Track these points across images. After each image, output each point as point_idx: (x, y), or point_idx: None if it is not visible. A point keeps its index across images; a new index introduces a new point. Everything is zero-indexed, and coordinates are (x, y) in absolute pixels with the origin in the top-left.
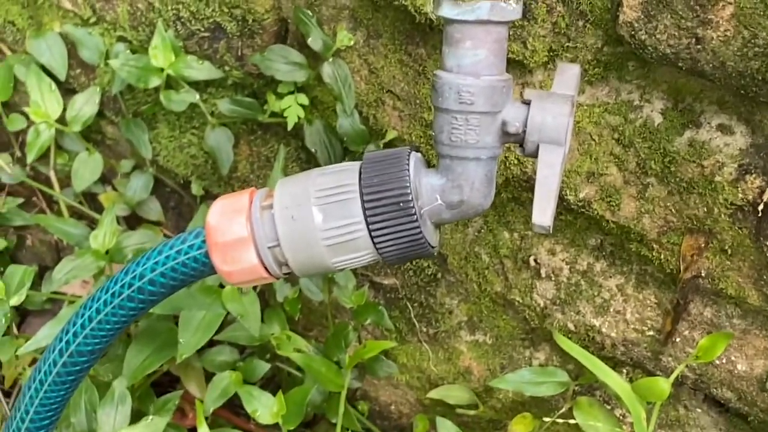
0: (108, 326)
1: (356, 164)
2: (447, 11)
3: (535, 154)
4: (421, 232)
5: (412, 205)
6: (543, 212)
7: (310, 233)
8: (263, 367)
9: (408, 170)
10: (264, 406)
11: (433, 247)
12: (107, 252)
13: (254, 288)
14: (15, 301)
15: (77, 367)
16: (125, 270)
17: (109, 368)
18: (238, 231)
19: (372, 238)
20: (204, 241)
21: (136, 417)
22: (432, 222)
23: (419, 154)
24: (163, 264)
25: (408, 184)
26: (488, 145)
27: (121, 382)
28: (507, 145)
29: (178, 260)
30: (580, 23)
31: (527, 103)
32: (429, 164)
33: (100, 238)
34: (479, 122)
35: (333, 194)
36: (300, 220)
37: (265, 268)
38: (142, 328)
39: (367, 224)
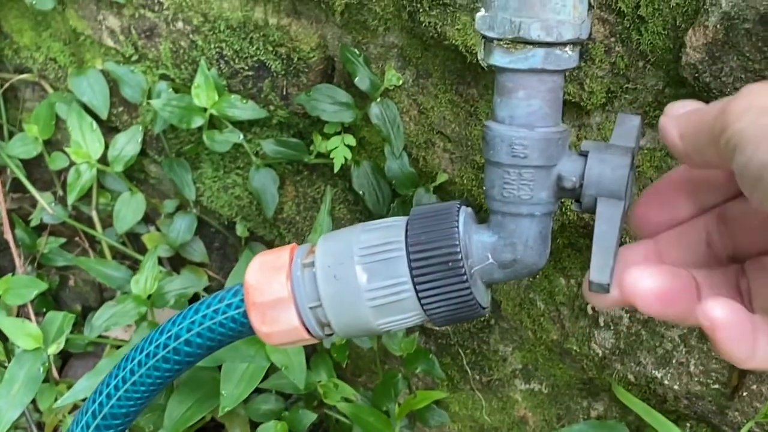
0: (143, 388)
1: (403, 220)
2: (498, 59)
3: (592, 210)
4: (471, 293)
5: (461, 264)
6: (601, 270)
7: (354, 294)
8: (310, 416)
9: (457, 227)
10: None
11: (483, 308)
12: (149, 297)
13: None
14: (53, 349)
15: (111, 430)
16: (160, 329)
17: (150, 419)
18: (277, 290)
19: (419, 299)
20: (242, 300)
21: None
22: (483, 282)
23: (469, 209)
24: (200, 324)
25: (457, 242)
26: (543, 200)
27: None
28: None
29: (215, 320)
30: (640, 64)
31: (584, 155)
32: (480, 217)
33: (141, 283)
34: (533, 177)
35: (378, 252)
36: (343, 280)
37: (307, 330)
38: (185, 377)
39: (414, 284)
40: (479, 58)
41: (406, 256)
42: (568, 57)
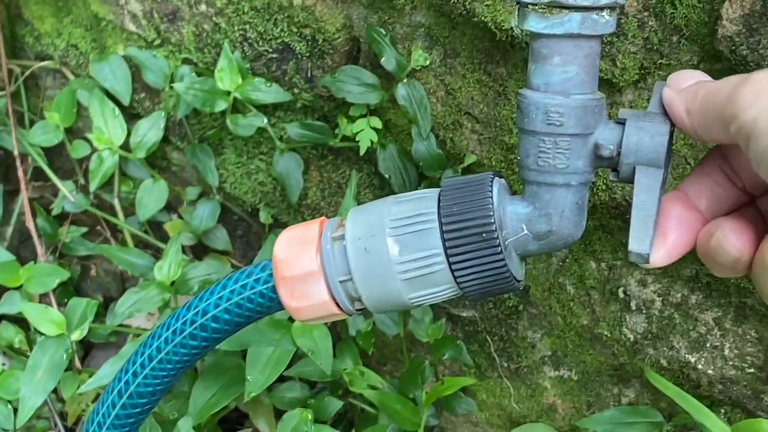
0: (170, 366)
1: (435, 191)
2: (533, 24)
3: (630, 179)
4: (506, 265)
5: (496, 235)
6: (640, 240)
7: (385, 266)
8: (335, 404)
9: (491, 197)
10: None
11: (519, 281)
12: (172, 284)
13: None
14: (77, 336)
15: (137, 409)
16: (187, 305)
17: (174, 406)
18: (307, 264)
19: (452, 271)
20: (271, 275)
21: None
22: (518, 254)
23: (503, 180)
24: (228, 299)
25: (491, 213)
26: (579, 170)
27: (187, 421)
28: (599, 169)
29: (243, 295)
30: (674, 38)
31: (621, 123)
32: (512, 191)
33: (164, 270)
34: (569, 145)
35: (410, 224)
36: (374, 252)
37: (337, 304)
38: (209, 363)
39: (447, 256)
40: (513, 25)
41: (438, 228)
42: (606, 21)
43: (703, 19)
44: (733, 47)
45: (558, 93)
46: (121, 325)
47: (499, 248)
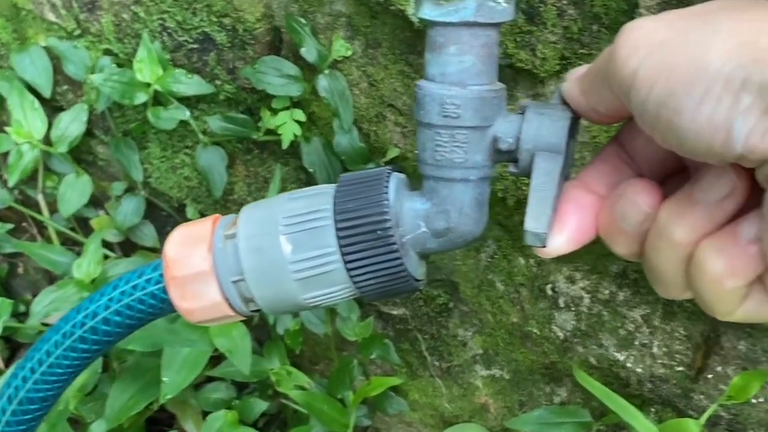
0: (59, 371)
1: (331, 187)
2: (428, 12)
3: (529, 171)
4: (402, 264)
5: (391, 233)
6: (537, 218)
7: (278, 266)
8: (261, 405)
9: (387, 193)
10: None
11: (418, 281)
12: (93, 282)
13: (250, 320)
14: None
15: (28, 416)
16: (77, 308)
17: (92, 408)
18: (198, 263)
19: (348, 270)
20: (162, 275)
21: None
22: (416, 252)
23: (402, 175)
24: (118, 301)
25: (387, 210)
26: (478, 164)
27: (100, 424)
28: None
29: (134, 296)
30: (594, 27)
31: (521, 114)
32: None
33: (83, 267)
34: (467, 138)
35: (303, 221)
36: (266, 251)
37: (230, 305)
38: (128, 365)
39: (342, 255)
40: (409, 12)
41: (333, 225)
42: (503, 9)
43: (622, 7)
44: None
45: (454, 84)
46: (46, 325)
47: (395, 246)
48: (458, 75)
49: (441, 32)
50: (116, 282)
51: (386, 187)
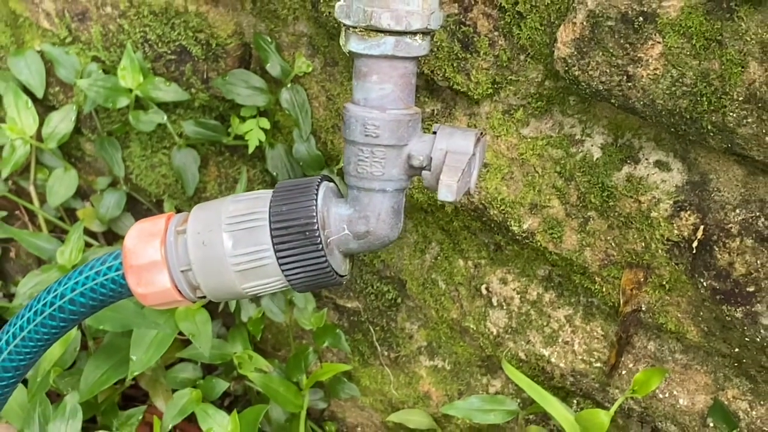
0: (32, 343)
1: (269, 192)
2: (354, 45)
3: (436, 180)
4: (326, 261)
5: (318, 234)
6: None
7: (221, 258)
8: (222, 385)
9: (316, 199)
10: (219, 425)
11: (341, 276)
12: (74, 267)
13: (216, 306)
14: None
15: (3, 383)
16: (48, 289)
17: (69, 382)
18: (152, 254)
19: (280, 265)
20: (122, 263)
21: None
22: (340, 251)
23: (331, 184)
24: (83, 284)
25: (314, 214)
26: (394, 177)
27: (74, 396)
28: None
29: (97, 281)
30: (522, 57)
31: (434, 134)
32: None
33: (66, 254)
34: (384, 155)
35: (243, 221)
36: (211, 245)
37: (179, 292)
38: (103, 344)
39: (275, 252)
40: (341, 44)
41: (268, 226)
42: (419, 45)
43: (545, 40)
44: (567, 68)
45: (375, 108)
46: None
47: (321, 245)
48: (379, 100)
49: (365, 63)
50: (82, 268)
51: (315, 193)
